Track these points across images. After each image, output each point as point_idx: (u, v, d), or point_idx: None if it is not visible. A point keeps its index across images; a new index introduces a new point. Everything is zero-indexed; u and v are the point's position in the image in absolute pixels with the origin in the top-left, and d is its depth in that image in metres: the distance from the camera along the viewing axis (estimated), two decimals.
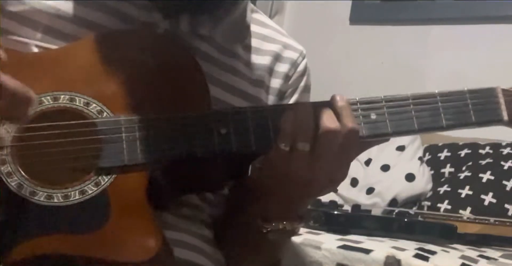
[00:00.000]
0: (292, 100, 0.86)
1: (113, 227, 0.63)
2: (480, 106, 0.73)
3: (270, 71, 0.85)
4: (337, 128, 0.67)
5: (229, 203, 0.83)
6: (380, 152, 2.29)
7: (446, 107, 0.72)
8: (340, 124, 0.67)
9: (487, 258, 1.43)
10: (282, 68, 0.86)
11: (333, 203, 1.92)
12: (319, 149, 0.67)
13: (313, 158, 0.67)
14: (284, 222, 0.74)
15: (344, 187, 2.25)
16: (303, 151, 0.67)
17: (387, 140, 0.72)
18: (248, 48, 0.83)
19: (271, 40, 0.86)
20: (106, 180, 0.65)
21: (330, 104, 0.69)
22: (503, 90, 0.74)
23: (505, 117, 0.73)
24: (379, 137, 0.71)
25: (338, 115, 0.68)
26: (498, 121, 0.73)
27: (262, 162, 0.70)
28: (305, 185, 0.70)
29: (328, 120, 0.67)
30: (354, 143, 0.69)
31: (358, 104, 0.71)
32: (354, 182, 2.28)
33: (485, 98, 0.73)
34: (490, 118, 0.73)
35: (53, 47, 0.72)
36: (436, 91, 0.73)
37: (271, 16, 2.87)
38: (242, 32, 0.83)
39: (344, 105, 0.69)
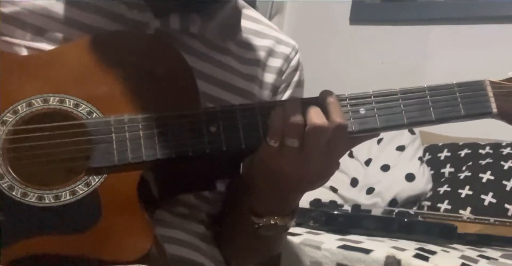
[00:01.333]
0: (285, 95, 0.86)
1: (104, 227, 0.63)
2: (469, 99, 0.72)
3: (263, 66, 0.85)
4: (325, 124, 0.67)
5: (225, 200, 0.83)
6: (380, 152, 2.29)
7: (435, 101, 0.72)
8: (329, 120, 0.67)
9: (487, 258, 1.43)
10: (275, 63, 0.86)
11: (333, 203, 1.92)
12: (308, 145, 0.67)
13: (303, 154, 0.67)
14: (276, 217, 0.75)
15: (344, 187, 2.25)
16: (292, 147, 0.67)
17: (378, 135, 0.72)
18: (240, 44, 0.83)
19: (264, 36, 0.86)
20: (97, 180, 0.65)
21: (318, 100, 0.69)
22: (491, 82, 0.73)
23: (494, 109, 0.72)
24: (369, 132, 0.71)
25: (326, 111, 0.68)
26: (488, 113, 0.73)
27: (252, 158, 0.71)
28: (295, 181, 0.70)
29: (316, 116, 0.67)
30: (342, 139, 0.69)
31: (347, 99, 0.71)
32: (354, 182, 2.27)
33: (474, 91, 0.73)
34: (479, 110, 0.72)
35: (44, 48, 0.72)
36: (425, 85, 0.73)
37: (271, 16, 2.87)
38: (234, 29, 0.83)
39: (332, 101, 0.69)
